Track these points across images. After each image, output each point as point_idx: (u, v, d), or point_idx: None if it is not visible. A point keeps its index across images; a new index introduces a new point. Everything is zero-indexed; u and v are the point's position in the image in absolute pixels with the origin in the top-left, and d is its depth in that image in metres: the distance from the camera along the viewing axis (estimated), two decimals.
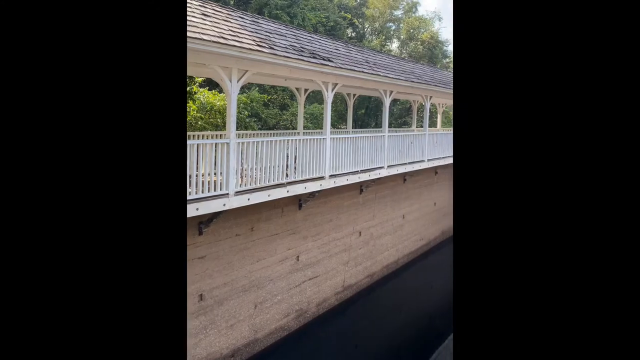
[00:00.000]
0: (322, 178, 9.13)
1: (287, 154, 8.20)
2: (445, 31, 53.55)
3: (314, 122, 18.06)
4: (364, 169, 10.59)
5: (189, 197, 6.24)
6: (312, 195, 9.38)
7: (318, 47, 9.74)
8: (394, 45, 31.31)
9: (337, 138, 9.72)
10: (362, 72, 10.09)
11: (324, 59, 8.97)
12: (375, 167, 11.08)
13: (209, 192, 6.59)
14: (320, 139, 9.13)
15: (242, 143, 7.27)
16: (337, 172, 9.66)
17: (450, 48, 40.94)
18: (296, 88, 12.42)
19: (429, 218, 16.02)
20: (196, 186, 6.35)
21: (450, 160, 15.36)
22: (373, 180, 11.30)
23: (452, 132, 15.95)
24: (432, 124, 23.53)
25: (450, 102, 18.72)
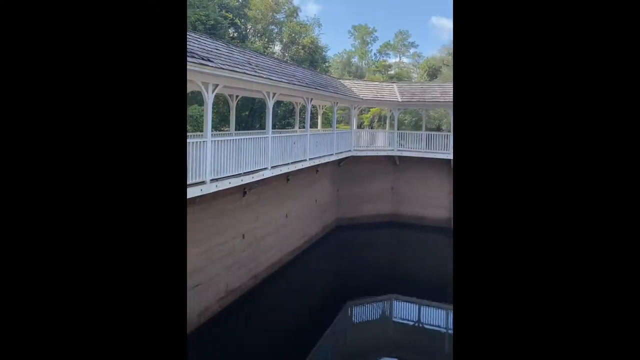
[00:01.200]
0: (202, 183, 8.34)
1: None
2: (324, 37, 54.98)
3: (194, 125, 16.83)
4: (247, 171, 10.04)
5: None
6: (192, 201, 8.53)
7: (197, 46, 8.87)
8: (277, 48, 31.01)
9: (218, 141, 9.00)
10: (245, 73, 9.51)
11: (203, 59, 8.17)
12: (259, 168, 10.60)
13: None
14: (200, 142, 8.32)
15: None
16: (219, 176, 8.95)
17: (329, 53, 41.97)
18: None
19: (310, 215, 16.07)
20: None
21: (329, 159, 15.58)
22: (257, 182, 10.80)
23: (331, 131, 16.17)
24: (314, 124, 23.81)
25: (328, 104, 19.03)
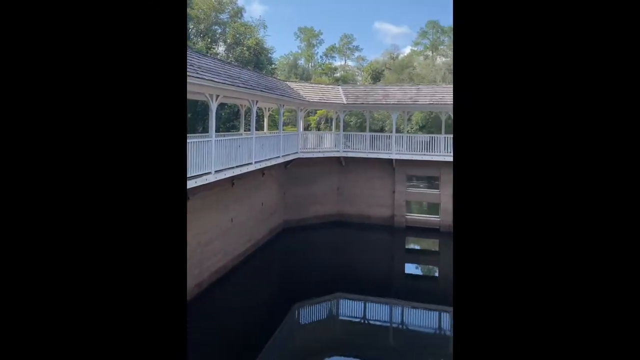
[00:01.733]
0: None
1: None
2: (270, 39, 54.74)
3: None
4: (189, 175, 9.75)
5: None
6: None
7: None
8: (221, 49, 30.37)
9: None
10: (187, 75, 9.22)
11: None
12: (202, 173, 10.34)
13: None
14: None
15: None
16: None
17: (275, 55, 41.65)
18: None
19: (257, 218, 15.91)
20: None
21: (276, 161, 15.52)
22: (200, 187, 10.53)
23: (277, 134, 16.12)
24: (260, 127, 23.60)
25: (274, 106, 18.96)
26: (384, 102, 19.54)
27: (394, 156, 18.86)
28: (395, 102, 19.20)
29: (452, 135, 18.27)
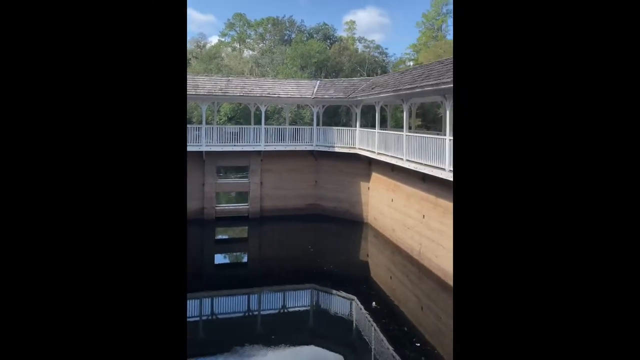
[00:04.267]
0: None
1: None
2: None
3: None
4: None
5: None
6: None
7: None
8: None
9: None
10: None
11: None
12: None
13: None
14: None
15: None
16: None
17: None
18: None
19: None
20: None
21: None
22: None
23: None
24: None
25: None
26: (193, 93, 18.92)
27: (204, 148, 18.54)
28: (206, 93, 18.83)
29: (261, 126, 19.07)
